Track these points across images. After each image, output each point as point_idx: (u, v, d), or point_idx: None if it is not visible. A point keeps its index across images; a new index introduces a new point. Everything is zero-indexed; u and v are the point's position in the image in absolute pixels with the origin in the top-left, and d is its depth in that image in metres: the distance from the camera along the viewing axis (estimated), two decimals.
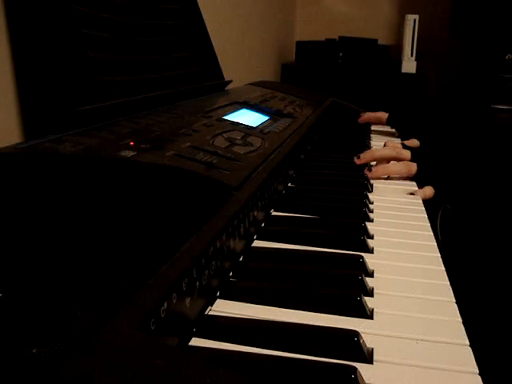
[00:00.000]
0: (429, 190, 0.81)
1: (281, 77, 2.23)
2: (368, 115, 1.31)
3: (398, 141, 0.97)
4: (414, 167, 0.86)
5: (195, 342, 0.38)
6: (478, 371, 0.36)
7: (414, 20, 2.07)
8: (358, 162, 0.89)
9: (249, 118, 0.85)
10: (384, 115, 1.28)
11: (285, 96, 1.17)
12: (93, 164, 0.51)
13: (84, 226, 0.44)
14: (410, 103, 1.95)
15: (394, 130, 1.30)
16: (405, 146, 0.93)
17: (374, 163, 0.90)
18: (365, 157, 0.90)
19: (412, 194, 0.80)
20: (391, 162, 0.90)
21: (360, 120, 1.31)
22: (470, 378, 0.36)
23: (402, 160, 0.89)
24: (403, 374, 0.36)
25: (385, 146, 0.97)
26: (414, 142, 1.05)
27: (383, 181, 0.86)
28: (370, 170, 0.86)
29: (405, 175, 0.87)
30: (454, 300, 0.47)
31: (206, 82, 1.02)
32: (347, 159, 0.94)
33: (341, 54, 2.13)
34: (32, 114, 0.67)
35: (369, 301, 0.45)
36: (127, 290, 0.33)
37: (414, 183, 0.85)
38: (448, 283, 0.50)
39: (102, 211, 0.47)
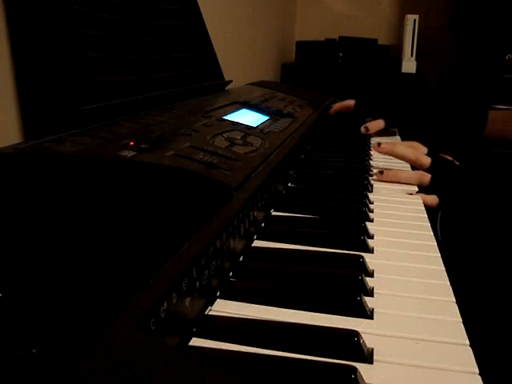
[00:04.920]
0: (431, 199, 0.79)
1: (281, 77, 2.22)
2: (337, 105, 1.29)
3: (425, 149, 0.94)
4: (427, 178, 0.82)
5: (195, 342, 0.38)
6: (478, 371, 0.36)
7: (414, 20, 2.07)
8: (377, 149, 0.87)
9: (249, 117, 0.85)
10: (351, 102, 1.26)
11: (285, 96, 1.17)
12: (93, 164, 0.51)
13: (84, 226, 0.44)
14: (406, 101, 1.95)
15: (394, 129, 1.30)
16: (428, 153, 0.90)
17: (380, 164, 0.89)
18: (386, 148, 0.87)
19: (411, 194, 0.79)
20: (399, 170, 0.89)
21: (330, 112, 1.30)
22: (470, 378, 0.36)
23: (418, 166, 0.85)
24: (403, 374, 0.36)
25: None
26: (377, 124, 1.05)
27: (383, 180, 0.85)
28: (381, 173, 0.84)
29: (415, 184, 0.83)
30: (454, 300, 0.46)
31: (206, 82, 1.02)
32: (347, 159, 0.94)
33: (341, 54, 2.13)
34: (32, 114, 0.67)
35: (369, 301, 0.45)
36: (127, 289, 0.33)
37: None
38: (448, 283, 0.50)
39: (102, 211, 0.47)
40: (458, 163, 0.88)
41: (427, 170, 0.84)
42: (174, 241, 0.41)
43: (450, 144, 1.09)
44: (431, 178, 0.82)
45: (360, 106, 1.25)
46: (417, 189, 0.82)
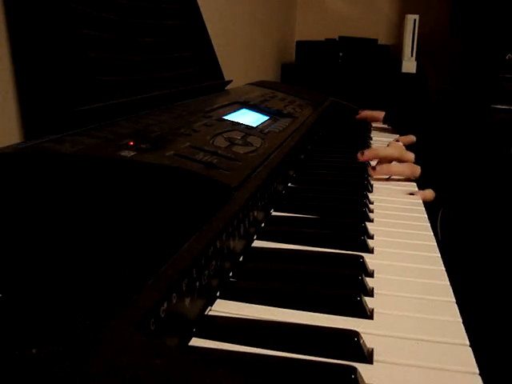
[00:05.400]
0: (429, 193, 0.81)
1: (281, 77, 2.22)
2: (365, 113, 1.33)
3: (401, 144, 0.98)
4: (418, 170, 0.86)
5: (195, 342, 0.38)
6: (478, 371, 0.36)
7: (414, 20, 2.07)
8: (360, 158, 0.88)
9: (249, 117, 0.85)
10: (381, 114, 1.30)
11: (285, 96, 1.17)
12: (93, 164, 0.51)
13: (84, 226, 0.44)
14: (408, 102, 1.97)
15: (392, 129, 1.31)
16: (406, 147, 0.93)
17: (373, 163, 0.90)
18: (369, 154, 0.89)
19: (411, 194, 0.80)
20: (393, 162, 0.90)
21: (357, 117, 1.33)
22: (470, 378, 0.36)
23: (405, 161, 0.89)
24: (403, 374, 0.36)
25: (388, 146, 0.97)
26: (409, 138, 1.06)
27: (383, 181, 0.86)
28: (373, 169, 0.86)
29: (408, 177, 0.86)
30: (454, 300, 0.46)
31: (206, 82, 1.02)
32: (347, 159, 0.94)
33: (341, 54, 2.13)
34: (32, 114, 0.67)
35: (369, 301, 0.45)
36: (127, 289, 0.33)
37: (415, 184, 0.85)
38: (448, 283, 0.50)
39: (102, 211, 0.47)
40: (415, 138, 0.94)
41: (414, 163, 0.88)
42: (174, 241, 0.41)
43: (451, 141, 1.10)
44: (422, 169, 0.85)
45: (389, 119, 1.27)
46: (417, 188, 0.82)
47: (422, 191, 0.81)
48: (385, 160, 0.90)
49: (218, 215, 0.47)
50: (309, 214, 0.66)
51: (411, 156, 0.89)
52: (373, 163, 0.90)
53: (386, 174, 0.86)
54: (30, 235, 0.42)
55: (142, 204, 0.49)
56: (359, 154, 0.89)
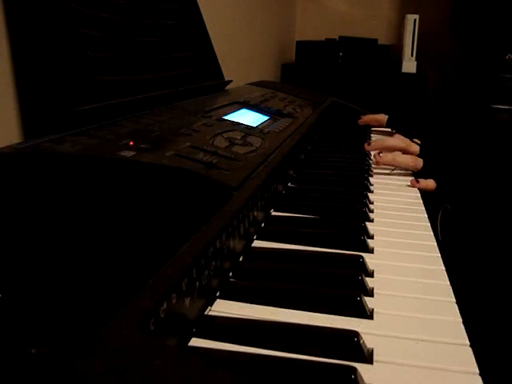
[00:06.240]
0: (431, 183, 0.83)
1: (281, 77, 2.22)
2: (368, 117, 1.32)
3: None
4: (420, 162, 0.88)
5: (195, 342, 0.38)
6: (478, 371, 0.36)
7: (414, 20, 2.07)
8: (367, 148, 0.94)
9: (249, 117, 0.85)
10: (384, 117, 1.29)
11: (285, 96, 1.17)
12: (93, 164, 0.51)
13: (84, 226, 0.44)
14: (410, 105, 1.96)
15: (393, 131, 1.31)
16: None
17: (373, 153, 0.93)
18: (375, 144, 0.94)
19: (417, 181, 0.82)
20: (398, 152, 0.92)
21: (360, 122, 1.32)
22: (470, 378, 0.36)
23: (410, 153, 0.91)
24: (403, 374, 0.36)
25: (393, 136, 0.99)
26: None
27: (383, 181, 0.86)
28: (379, 155, 0.89)
29: (411, 168, 0.88)
30: (454, 300, 0.46)
31: (206, 82, 1.02)
32: (347, 159, 0.94)
33: (341, 54, 2.13)
34: (32, 114, 0.67)
35: (369, 301, 0.45)
36: (127, 289, 0.33)
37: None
38: (448, 283, 0.50)
39: (102, 211, 0.47)
40: (419, 141, 0.96)
41: (418, 156, 0.91)
42: (174, 241, 0.41)
43: (452, 140, 1.11)
44: (424, 162, 0.88)
45: (392, 123, 1.27)
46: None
47: (424, 180, 0.83)
48: (390, 150, 0.92)
49: (217, 215, 0.47)
50: (309, 214, 0.66)
51: (416, 148, 0.92)
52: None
53: (391, 162, 0.89)
54: (30, 235, 0.42)
55: (142, 204, 0.49)
56: (366, 144, 0.94)
